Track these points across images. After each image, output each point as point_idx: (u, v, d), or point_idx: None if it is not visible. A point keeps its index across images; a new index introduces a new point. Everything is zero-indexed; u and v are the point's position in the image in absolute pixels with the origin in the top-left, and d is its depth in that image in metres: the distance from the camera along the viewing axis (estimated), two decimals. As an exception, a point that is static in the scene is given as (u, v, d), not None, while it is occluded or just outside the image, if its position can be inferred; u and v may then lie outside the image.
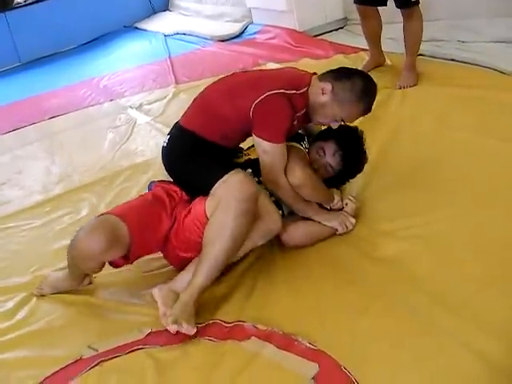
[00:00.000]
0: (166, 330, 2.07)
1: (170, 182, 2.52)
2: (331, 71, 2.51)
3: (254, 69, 2.75)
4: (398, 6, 3.84)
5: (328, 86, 2.39)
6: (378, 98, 3.61)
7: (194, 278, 2.14)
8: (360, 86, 2.41)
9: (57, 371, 2.04)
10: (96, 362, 2.04)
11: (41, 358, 2.14)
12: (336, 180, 2.66)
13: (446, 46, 4.41)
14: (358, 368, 1.82)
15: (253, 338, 2.02)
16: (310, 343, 1.94)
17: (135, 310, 2.31)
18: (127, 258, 2.27)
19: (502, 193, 2.56)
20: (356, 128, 2.68)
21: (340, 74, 2.46)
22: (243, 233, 2.17)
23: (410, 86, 3.86)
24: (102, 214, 2.27)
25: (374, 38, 4.25)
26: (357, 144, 2.63)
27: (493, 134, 3.01)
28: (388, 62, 4.33)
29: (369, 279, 2.21)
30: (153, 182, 2.54)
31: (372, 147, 3.06)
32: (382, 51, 4.32)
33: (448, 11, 4.81)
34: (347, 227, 2.48)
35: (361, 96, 2.40)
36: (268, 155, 2.35)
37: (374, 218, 2.57)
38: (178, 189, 2.44)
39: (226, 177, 2.23)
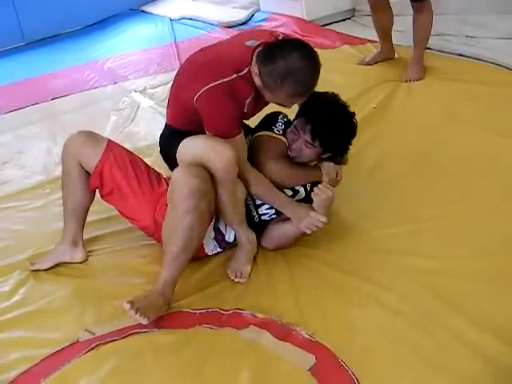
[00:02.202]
0: (164, 314, 2.09)
1: None
2: (262, 48, 2.23)
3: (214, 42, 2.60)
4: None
5: (256, 69, 2.20)
6: (383, 91, 3.67)
7: (159, 272, 2.16)
8: (281, 68, 2.13)
9: (53, 353, 2.04)
10: (93, 346, 2.04)
11: (37, 340, 2.14)
12: (329, 155, 2.49)
13: (454, 40, 4.38)
14: (355, 362, 1.81)
15: (251, 326, 2.01)
16: (308, 334, 1.94)
17: (132, 294, 2.29)
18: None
19: (507, 189, 2.55)
20: (327, 93, 2.49)
21: (264, 55, 2.19)
22: (195, 228, 2.14)
23: (416, 80, 3.84)
24: None
25: (384, 31, 4.20)
26: (327, 111, 2.41)
27: (499, 129, 3.01)
28: (396, 55, 4.30)
29: (370, 273, 2.20)
30: None
31: (377, 141, 3.06)
32: (392, 45, 4.27)
33: (457, 6, 4.78)
34: (317, 226, 2.31)
35: (281, 80, 2.13)
36: None
37: (377, 211, 2.57)
38: None
39: (175, 171, 2.21)
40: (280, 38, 2.34)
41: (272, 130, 2.45)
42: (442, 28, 4.48)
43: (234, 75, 2.22)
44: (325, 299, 2.11)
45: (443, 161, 2.86)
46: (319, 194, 2.31)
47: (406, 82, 3.83)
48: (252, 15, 6.29)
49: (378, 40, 4.33)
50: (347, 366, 1.80)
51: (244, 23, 6.19)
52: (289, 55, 2.14)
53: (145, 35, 6.60)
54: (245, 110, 2.29)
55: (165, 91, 4.49)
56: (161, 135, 2.58)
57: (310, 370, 1.82)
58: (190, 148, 2.27)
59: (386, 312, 2.01)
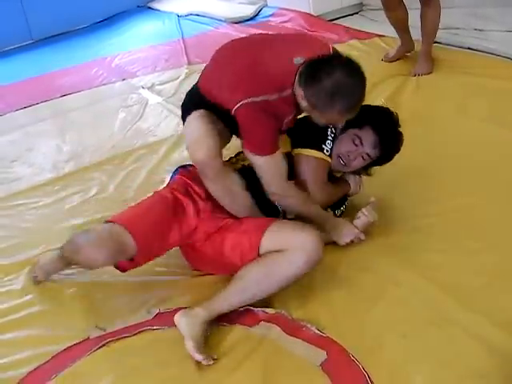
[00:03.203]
0: (174, 310, 2.08)
1: (193, 170, 2.39)
2: (304, 69, 2.10)
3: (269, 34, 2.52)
4: None
5: (301, 92, 2.08)
6: (392, 85, 3.65)
7: (217, 302, 2.07)
8: (327, 86, 1.99)
9: (63, 350, 2.04)
10: (103, 343, 2.04)
11: (48, 337, 2.14)
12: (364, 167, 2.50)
13: (463, 33, 4.37)
14: (366, 357, 1.81)
15: (262, 322, 2.01)
16: (318, 330, 1.93)
17: (143, 291, 2.30)
18: (134, 263, 2.22)
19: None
20: (388, 109, 2.49)
21: (308, 75, 2.06)
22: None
23: (425, 74, 3.82)
24: (108, 222, 2.20)
25: (401, 26, 4.12)
26: (393, 125, 2.44)
27: (508, 123, 2.99)
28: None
29: (381, 268, 2.20)
30: (179, 167, 2.48)
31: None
32: (411, 37, 4.19)
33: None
34: (353, 242, 2.32)
35: (331, 98, 2.00)
36: (262, 169, 2.22)
37: (387, 205, 2.55)
38: (198, 188, 2.33)
39: (304, 228, 2.12)
40: (326, 51, 2.23)
41: (322, 149, 2.37)
42: (450, 21, 4.46)
43: (277, 95, 2.12)
44: (335, 294, 2.11)
45: (452, 155, 2.85)
46: (366, 217, 2.34)
47: (415, 76, 3.81)
48: (259, 10, 6.28)
49: (385, 35, 4.31)
50: (358, 361, 1.80)
51: (251, 19, 6.19)
52: (333, 71, 2.00)
53: (152, 32, 6.60)
54: (283, 128, 2.24)
55: (173, 87, 4.50)
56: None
57: (320, 365, 1.81)
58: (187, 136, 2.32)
59: (396, 307, 2.01)
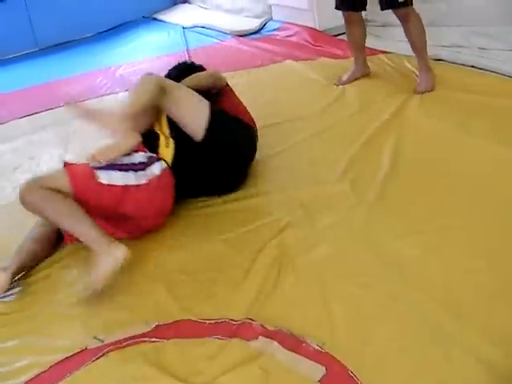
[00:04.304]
0: (173, 323, 2.09)
1: None
2: None
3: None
4: (382, 9, 3.80)
5: None
6: (395, 102, 3.66)
7: None
8: None
9: (61, 360, 2.04)
10: (101, 353, 2.03)
11: (46, 347, 2.14)
12: None
13: (467, 52, 4.37)
14: (366, 374, 1.80)
15: (260, 337, 2.00)
16: (318, 345, 1.93)
17: (141, 303, 2.30)
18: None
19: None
20: None
21: None
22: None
23: (428, 91, 3.81)
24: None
25: (357, 45, 4.21)
26: None
27: (511, 142, 2.99)
28: (408, 65, 4.28)
29: (381, 284, 2.19)
30: None
31: (387, 152, 3.05)
32: (365, 60, 4.27)
33: (468, 17, 4.77)
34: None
35: None
36: None
37: (388, 222, 2.55)
38: None
39: None
40: None
41: None
42: (454, 39, 4.49)
43: None
44: (334, 310, 2.09)
45: (453, 173, 2.84)
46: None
47: (418, 94, 3.81)
48: (264, 24, 6.32)
49: (389, 51, 4.32)
50: (357, 377, 1.79)
51: (256, 32, 6.22)
52: None
53: (157, 43, 6.64)
54: None
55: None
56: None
57: (319, 381, 1.80)
58: None
59: (395, 323, 2.00)
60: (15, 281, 2.50)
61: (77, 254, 2.66)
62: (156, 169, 2.63)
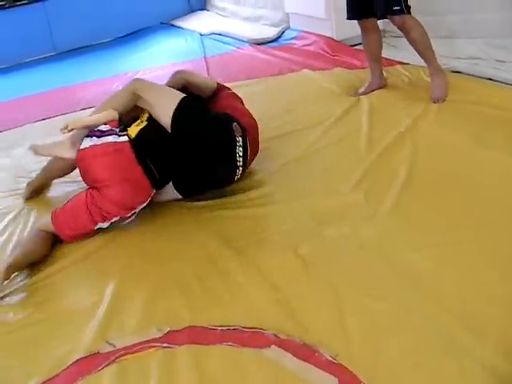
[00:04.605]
0: (185, 329, 2.09)
1: None
2: None
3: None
4: (378, 18, 3.80)
5: None
6: (411, 114, 3.65)
7: None
8: None
9: (73, 363, 2.04)
10: (113, 358, 2.04)
11: (58, 351, 2.13)
12: None
13: (484, 64, 4.35)
14: (378, 385, 1.79)
15: (273, 346, 1.99)
16: (331, 356, 1.91)
17: (152, 308, 2.30)
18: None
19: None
20: None
21: None
22: None
23: (443, 98, 3.80)
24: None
25: (374, 55, 4.22)
26: None
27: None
28: (425, 76, 4.26)
29: (395, 296, 2.18)
30: None
31: (402, 163, 3.04)
32: (382, 71, 4.27)
33: (486, 30, 4.75)
34: None
35: None
36: None
37: (402, 234, 2.54)
38: None
39: None
40: None
41: None
42: (471, 51, 4.47)
43: None
44: (348, 321, 2.08)
45: (468, 185, 2.82)
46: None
47: (434, 102, 3.79)
48: (282, 33, 6.33)
49: (406, 62, 4.30)
50: (369, 389, 1.78)
51: (274, 40, 6.23)
52: None
53: (174, 49, 6.66)
54: None
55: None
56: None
57: (331, 391, 1.80)
58: None
59: (409, 335, 1.98)
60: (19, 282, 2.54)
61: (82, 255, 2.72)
62: (111, 138, 2.77)
